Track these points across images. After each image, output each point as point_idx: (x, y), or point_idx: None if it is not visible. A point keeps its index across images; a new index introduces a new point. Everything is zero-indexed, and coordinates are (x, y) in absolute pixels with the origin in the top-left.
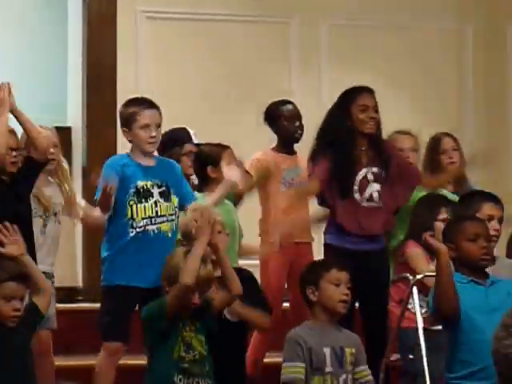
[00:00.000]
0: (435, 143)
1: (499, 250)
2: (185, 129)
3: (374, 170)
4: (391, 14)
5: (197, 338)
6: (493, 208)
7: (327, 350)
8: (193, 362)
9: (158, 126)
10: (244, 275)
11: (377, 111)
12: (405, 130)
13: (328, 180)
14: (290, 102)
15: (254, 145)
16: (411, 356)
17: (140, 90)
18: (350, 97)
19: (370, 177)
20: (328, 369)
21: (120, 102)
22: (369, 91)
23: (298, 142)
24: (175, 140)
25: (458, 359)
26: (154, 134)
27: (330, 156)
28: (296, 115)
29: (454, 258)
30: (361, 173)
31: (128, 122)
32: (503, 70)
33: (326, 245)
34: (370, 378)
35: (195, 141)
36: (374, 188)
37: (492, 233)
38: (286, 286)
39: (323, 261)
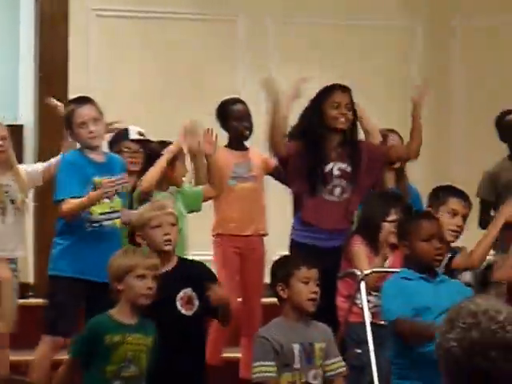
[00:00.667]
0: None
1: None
2: (126, 129)
3: (341, 165)
4: (340, 11)
5: (146, 351)
6: (459, 204)
7: (296, 347)
8: (128, 379)
9: (96, 119)
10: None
11: (351, 109)
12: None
13: (296, 164)
14: (240, 102)
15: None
16: (359, 350)
17: (91, 88)
18: (322, 95)
19: (336, 172)
20: (296, 365)
21: None
22: (342, 89)
23: (246, 140)
24: (115, 140)
25: (403, 350)
26: (92, 129)
27: (302, 148)
28: (245, 115)
29: (407, 255)
30: (327, 167)
31: (69, 123)
32: (449, 67)
33: (291, 240)
34: (342, 369)
35: (132, 137)
36: (337, 183)
37: (453, 228)
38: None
39: (293, 258)
